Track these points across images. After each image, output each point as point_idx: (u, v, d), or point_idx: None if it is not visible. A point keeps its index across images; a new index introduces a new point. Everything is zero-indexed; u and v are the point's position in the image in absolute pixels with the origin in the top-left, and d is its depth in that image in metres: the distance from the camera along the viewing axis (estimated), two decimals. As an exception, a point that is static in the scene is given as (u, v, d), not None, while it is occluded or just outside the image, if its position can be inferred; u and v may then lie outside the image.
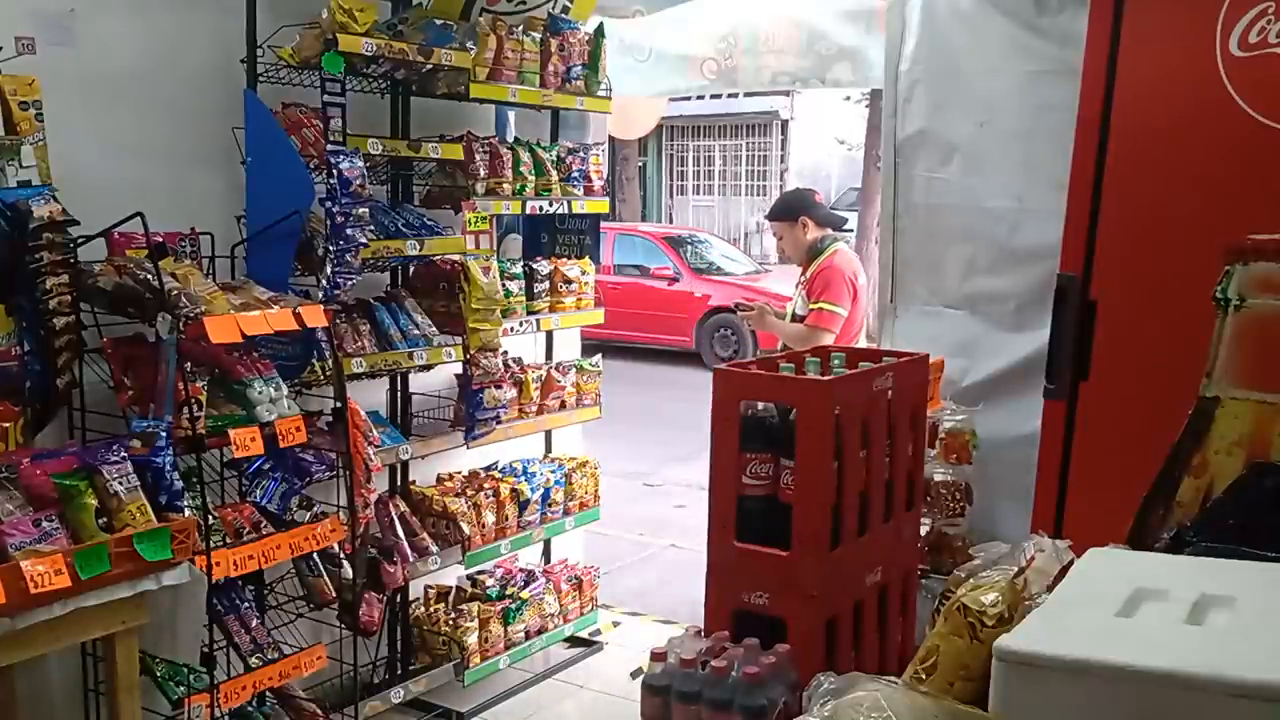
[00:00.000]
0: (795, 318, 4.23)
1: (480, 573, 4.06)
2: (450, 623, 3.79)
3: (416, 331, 3.52)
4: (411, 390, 3.78)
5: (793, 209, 4.32)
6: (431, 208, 3.77)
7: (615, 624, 4.59)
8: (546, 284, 4.03)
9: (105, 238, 2.77)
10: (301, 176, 3.10)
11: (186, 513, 2.61)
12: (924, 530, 2.95)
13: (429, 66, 3.35)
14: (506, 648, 3.92)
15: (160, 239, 2.85)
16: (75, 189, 2.68)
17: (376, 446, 3.39)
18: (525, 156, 3.84)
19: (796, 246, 4.27)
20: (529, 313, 3.96)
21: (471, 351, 3.57)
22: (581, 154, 4.09)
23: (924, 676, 1.52)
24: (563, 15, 3.92)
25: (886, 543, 2.42)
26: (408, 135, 3.65)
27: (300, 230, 3.11)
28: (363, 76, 3.41)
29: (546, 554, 4.41)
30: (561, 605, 4.15)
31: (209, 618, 2.81)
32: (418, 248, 3.48)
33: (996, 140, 3.23)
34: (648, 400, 9.61)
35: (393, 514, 3.61)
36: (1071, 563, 1.54)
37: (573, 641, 4.33)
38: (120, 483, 2.48)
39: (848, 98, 17.63)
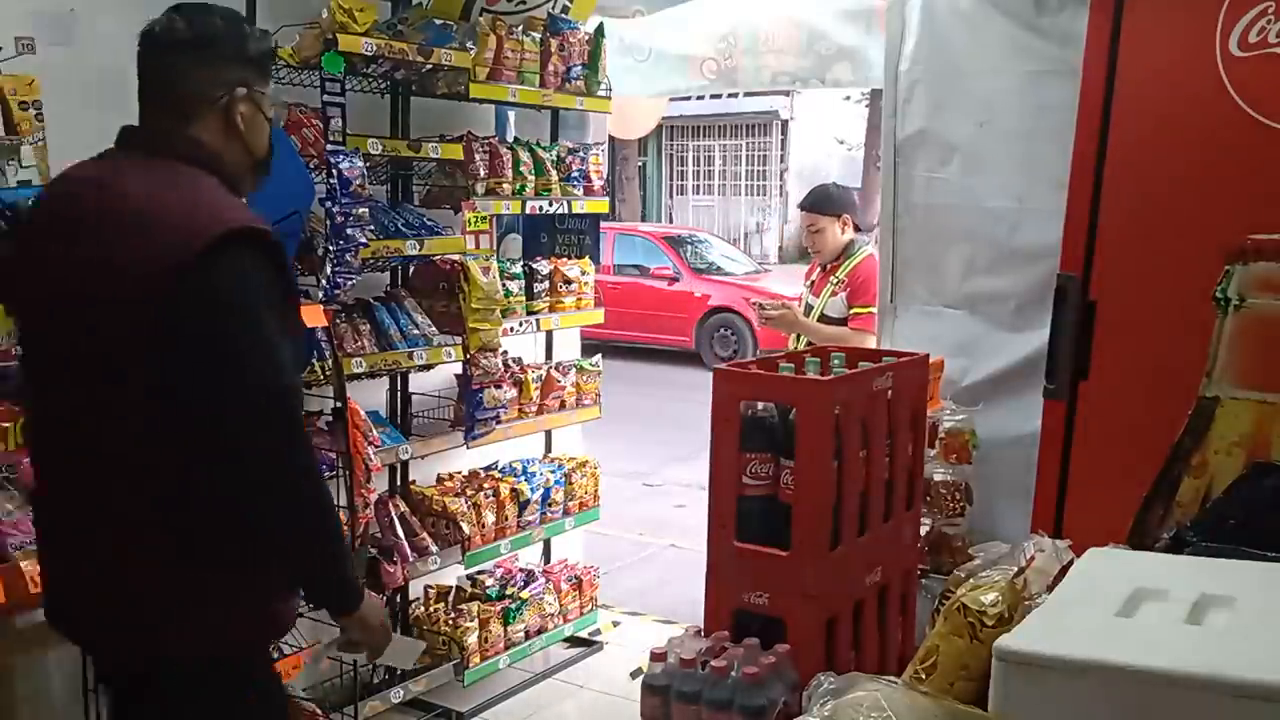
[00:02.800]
0: (825, 319, 4.12)
1: (480, 573, 4.06)
2: (450, 623, 3.79)
3: (416, 331, 3.52)
4: (411, 390, 3.78)
5: (838, 204, 4.22)
6: (431, 208, 3.77)
7: (615, 624, 4.59)
8: (546, 284, 4.03)
9: (105, 238, 2.77)
10: (301, 176, 3.10)
11: (186, 513, 2.61)
12: (924, 530, 2.95)
13: (429, 66, 3.35)
14: (506, 648, 3.92)
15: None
16: (75, 189, 2.67)
17: (376, 446, 3.39)
18: (525, 156, 3.84)
19: (832, 243, 4.16)
20: (529, 313, 3.96)
21: (471, 351, 3.57)
22: (581, 154, 4.09)
23: (924, 676, 1.52)
24: (563, 15, 3.92)
25: (886, 543, 2.42)
26: (408, 135, 3.65)
27: (300, 230, 3.11)
28: (363, 76, 3.41)
29: (546, 554, 4.41)
30: (561, 605, 4.15)
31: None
32: (418, 248, 3.48)
33: (996, 140, 3.23)
34: (648, 400, 9.61)
35: (393, 514, 3.61)
36: (1071, 563, 1.54)
37: (573, 641, 4.33)
38: (120, 483, 2.48)
39: (848, 98, 17.66)
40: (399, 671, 3.75)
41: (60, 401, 1.85)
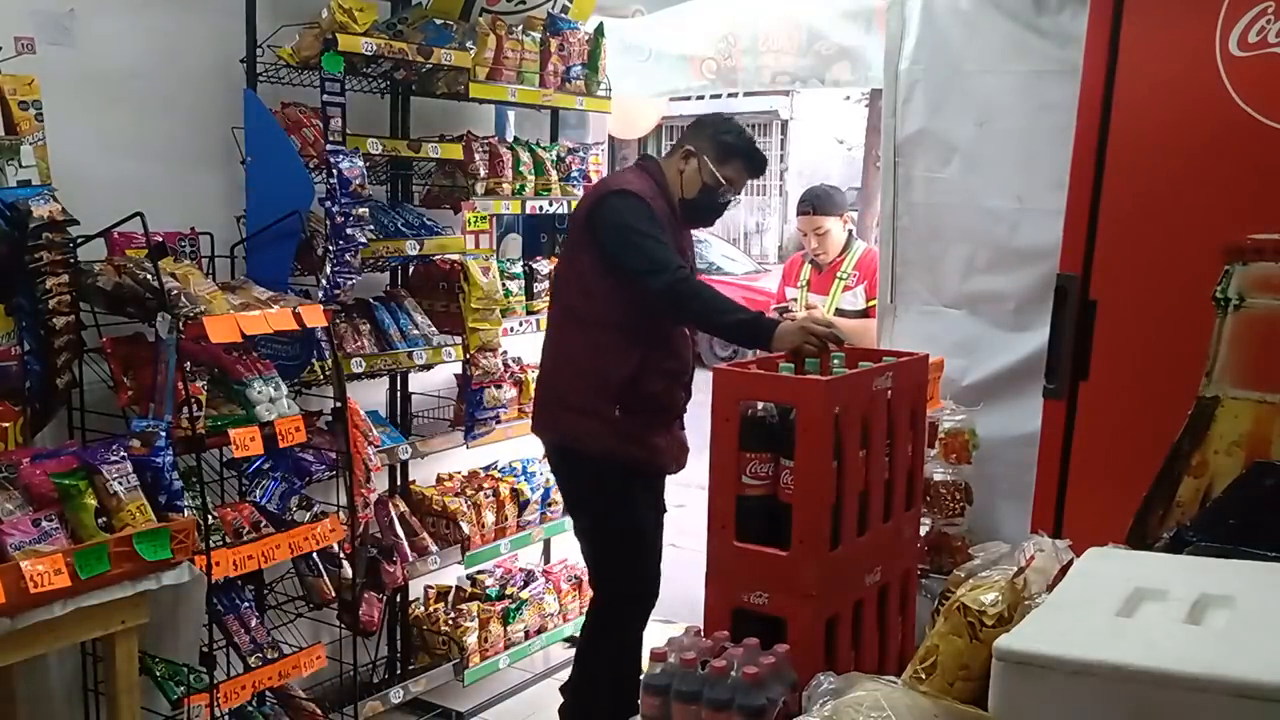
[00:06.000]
0: (841, 314, 4.10)
1: (480, 572, 4.06)
2: (450, 622, 3.79)
3: (416, 331, 3.52)
4: (411, 390, 3.78)
5: (839, 204, 4.24)
6: (431, 208, 3.76)
7: (615, 624, 4.58)
8: (546, 284, 4.03)
9: (105, 238, 2.77)
10: (301, 176, 3.10)
11: (186, 513, 2.61)
12: (924, 530, 2.95)
13: (429, 66, 3.35)
14: (506, 647, 3.92)
15: (160, 239, 2.85)
16: (75, 189, 2.67)
17: (376, 446, 3.39)
18: (525, 156, 3.83)
19: (837, 243, 4.18)
20: (529, 313, 3.96)
21: (471, 351, 3.57)
22: (581, 154, 4.09)
23: (924, 676, 1.52)
24: (562, 15, 3.92)
25: (886, 543, 2.42)
26: (407, 135, 3.65)
27: (300, 230, 3.11)
28: (363, 76, 3.41)
29: (546, 554, 4.41)
30: (561, 605, 4.15)
31: (209, 618, 2.81)
32: (417, 248, 3.48)
33: (996, 140, 3.23)
34: (648, 400, 9.56)
35: (392, 514, 3.61)
36: (1071, 563, 1.54)
37: (573, 641, 4.31)
38: (120, 482, 2.48)
39: (848, 98, 17.63)
40: (399, 671, 3.75)
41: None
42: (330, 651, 3.23)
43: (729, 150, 3.14)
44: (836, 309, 4.12)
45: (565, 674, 4.15)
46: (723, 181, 3.13)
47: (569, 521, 4.14)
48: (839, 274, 4.15)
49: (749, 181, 3.30)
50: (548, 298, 4.02)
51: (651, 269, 2.92)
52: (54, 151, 2.66)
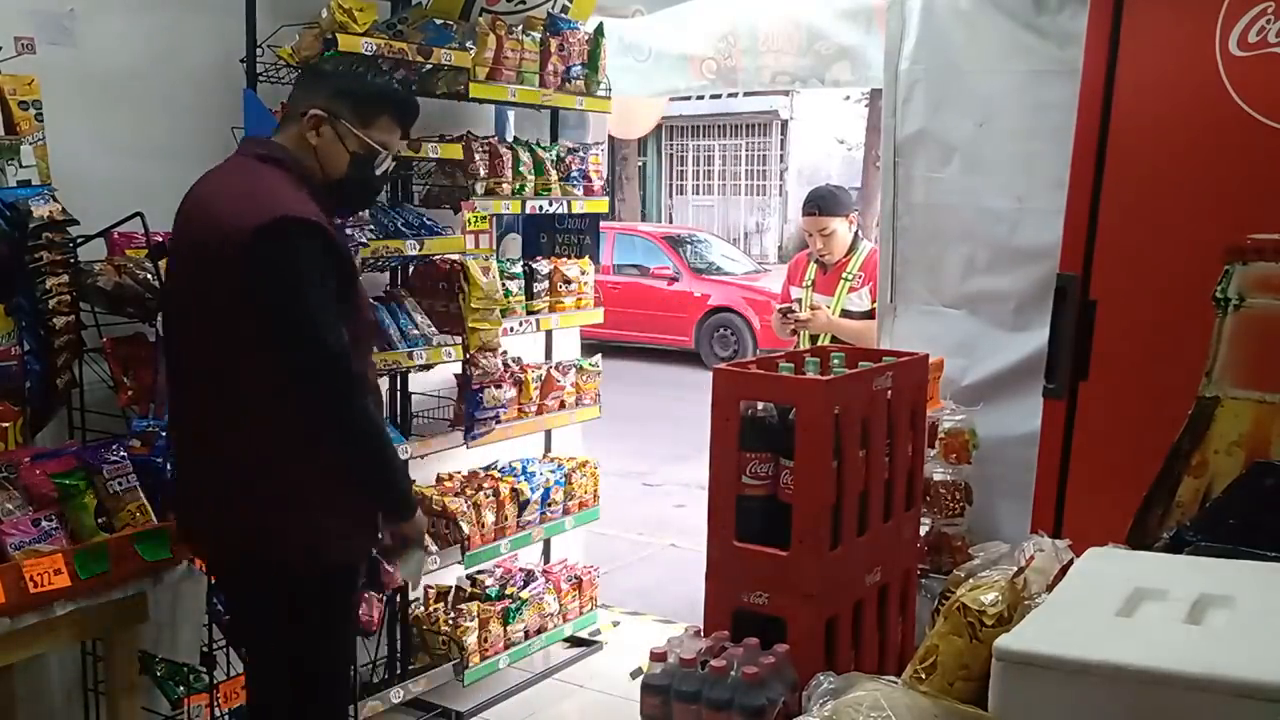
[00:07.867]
0: (847, 315, 4.11)
1: (480, 572, 4.06)
2: (450, 622, 3.79)
3: (416, 331, 3.52)
4: (411, 390, 3.78)
5: (845, 204, 4.24)
6: (431, 208, 3.76)
7: (615, 624, 4.59)
8: (546, 284, 4.03)
9: (105, 237, 2.77)
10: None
11: (186, 512, 2.61)
12: (924, 530, 2.95)
13: (429, 66, 3.35)
14: (506, 647, 3.92)
15: (160, 239, 2.85)
16: (75, 189, 2.68)
17: (376, 446, 3.39)
18: (525, 156, 3.83)
19: (843, 243, 4.18)
20: (528, 312, 3.96)
21: (471, 351, 3.57)
22: (581, 154, 4.09)
23: (924, 676, 1.52)
24: (562, 15, 3.92)
25: (886, 543, 2.42)
26: (407, 135, 3.64)
27: (300, 230, 3.11)
28: (362, 76, 3.41)
29: (546, 554, 4.41)
30: (561, 605, 4.15)
31: (209, 618, 2.81)
32: (417, 248, 3.48)
33: (996, 140, 3.23)
34: (647, 400, 9.62)
35: (392, 514, 3.60)
36: (1071, 563, 1.54)
37: (572, 641, 4.33)
38: (120, 482, 2.48)
39: (848, 98, 17.67)
40: (399, 671, 3.75)
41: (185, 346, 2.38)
42: (330, 651, 3.23)
43: (372, 102, 2.43)
44: (842, 310, 4.12)
45: (565, 674, 4.18)
46: (376, 147, 2.44)
47: (569, 521, 4.16)
48: (844, 274, 4.14)
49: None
50: (548, 297, 4.01)
51: (329, 347, 2.22)
52: (54, 151, 2.66)
